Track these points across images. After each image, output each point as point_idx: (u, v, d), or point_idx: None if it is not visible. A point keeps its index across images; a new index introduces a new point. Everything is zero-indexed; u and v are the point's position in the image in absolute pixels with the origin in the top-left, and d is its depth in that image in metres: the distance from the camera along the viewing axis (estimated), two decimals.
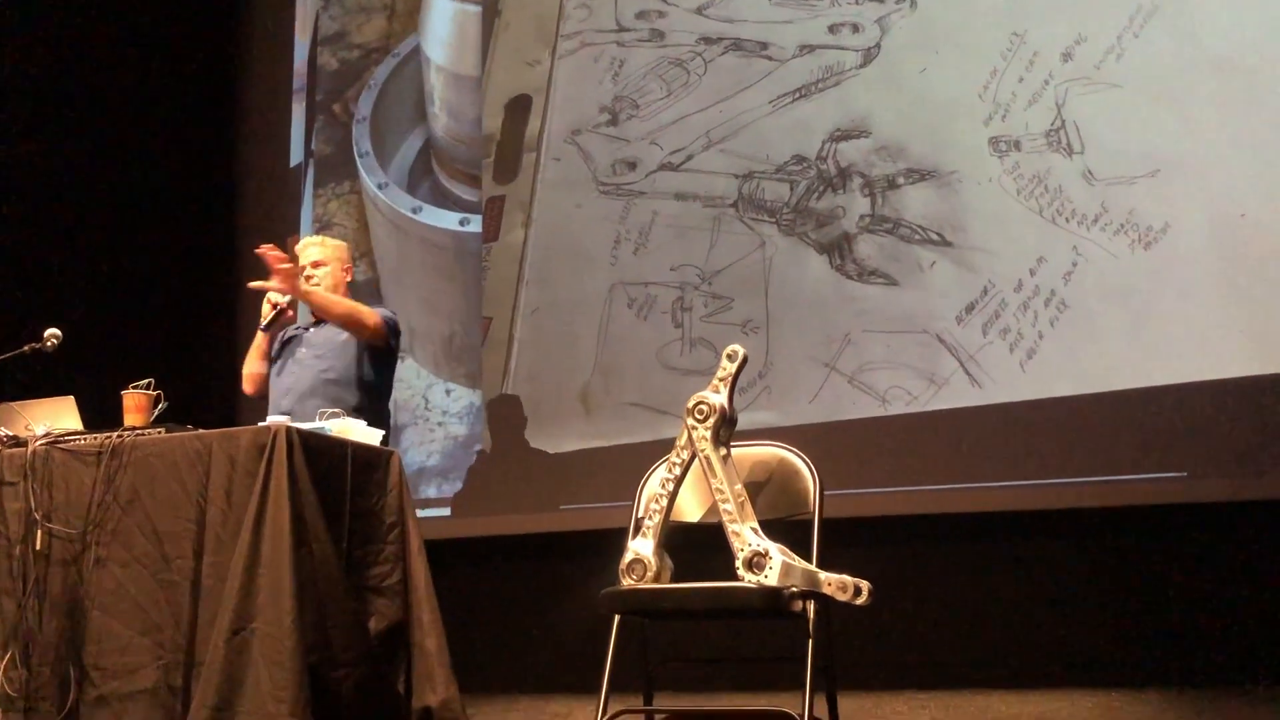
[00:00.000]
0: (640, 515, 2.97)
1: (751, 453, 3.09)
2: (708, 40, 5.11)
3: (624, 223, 5.17)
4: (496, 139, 5.61)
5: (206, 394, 5.30)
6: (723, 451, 2.81)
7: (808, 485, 2.99)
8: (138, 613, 3.11)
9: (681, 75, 5.14)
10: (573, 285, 5.27)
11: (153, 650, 3.07)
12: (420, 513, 3.77)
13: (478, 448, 5.45)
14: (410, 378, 5.67)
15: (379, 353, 4.00)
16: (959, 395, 4.42)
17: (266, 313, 4.00)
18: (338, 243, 4.26)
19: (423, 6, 6.01)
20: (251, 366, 4.15)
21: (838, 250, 4.71)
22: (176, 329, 5.92)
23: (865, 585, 2.64)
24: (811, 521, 2.92)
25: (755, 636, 3.28)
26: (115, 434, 3.28)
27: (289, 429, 3.08)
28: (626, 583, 2.82)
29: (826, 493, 2.96)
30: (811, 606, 2.71)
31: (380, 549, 3.31)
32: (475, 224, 5.64)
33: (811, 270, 4.74)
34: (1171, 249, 4.13)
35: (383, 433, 3.61)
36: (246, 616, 2.92)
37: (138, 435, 3.27)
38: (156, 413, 3.43)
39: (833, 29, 4.85)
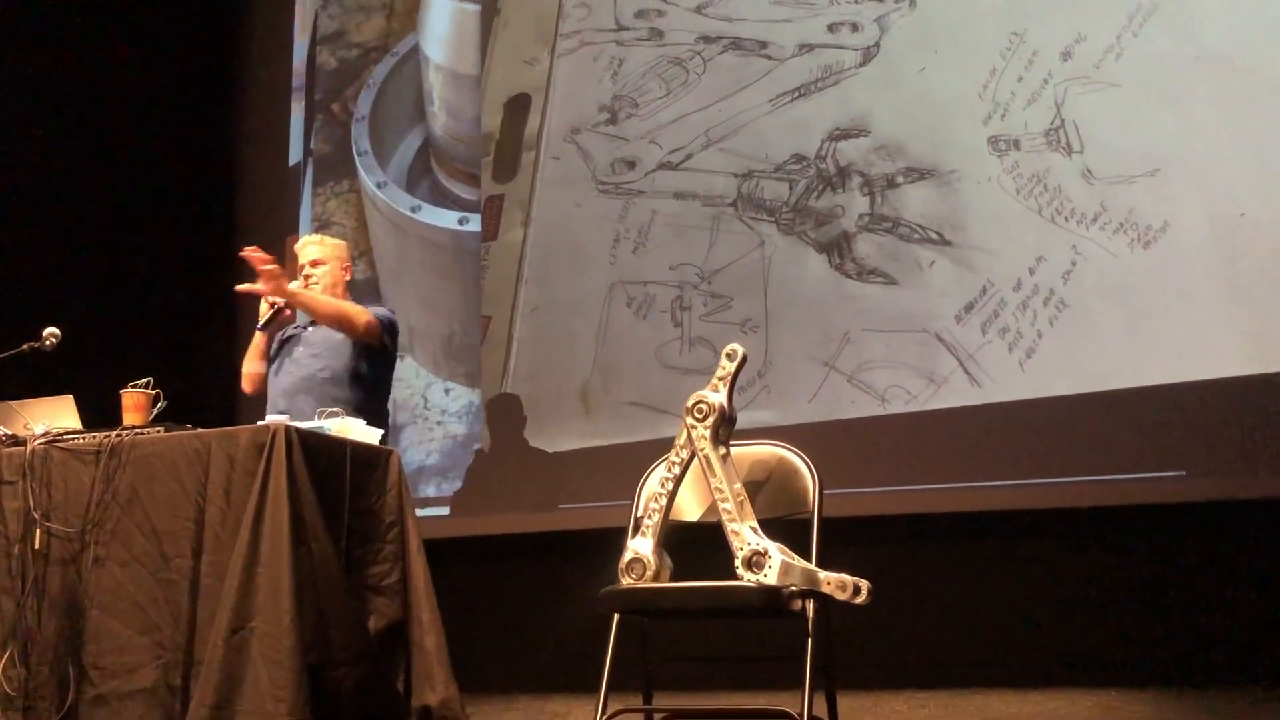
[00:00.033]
0: (639, 514, 2.97)
1: (751, 452, 3.09)
2: (707, 39, 5.11)
3: (623, 222, 5.17)
4: (495, 138, 5.61)
5: (205, 393, 5.30)
6: (722, 450, 2.81)
7: (807, 484, 2.99)
8: (137, 612, 3.10)
9: (681, 74, 5.14)
10: (572, 284, 5.27)
11: (152, 649, 3.07)
12: (419, 512, 3.76)
13: (476, 447, 5.45)
14: (409, 377, 5.67)
15: (376, 351, 3.99)
16: (958, 394, 4.42)
17: (264, 312, 4.00)
18: (337, 241, 4.26)
19: (421, 5, 6.01)
20: (250, 366, 4.15)
21: (837, 249, 4.71)
22: (175, 328, 5.91)
23: (864, 584, 2.64)
24: (811, 520, 2.92)
25: (755, 635, 3.27)
26: (114, 433, 3.28)
27: (288, 428, 3.07)
28: (626, 582, 2.81)
29: (826, 492, 2.96)
30: (811, 605, 2.71)
31: (379, 548, 3.30)
32: (474, 223, 5.63)
33: (811, 269, 4.74)
34: (1171, 248, 4.14)
35: (381, 432, 3.61)
36: (245, 615, 2.92)
37: (137, 434, 3.26)
38: (155, 412, 3.43)
39: (832, 28, 4.85)
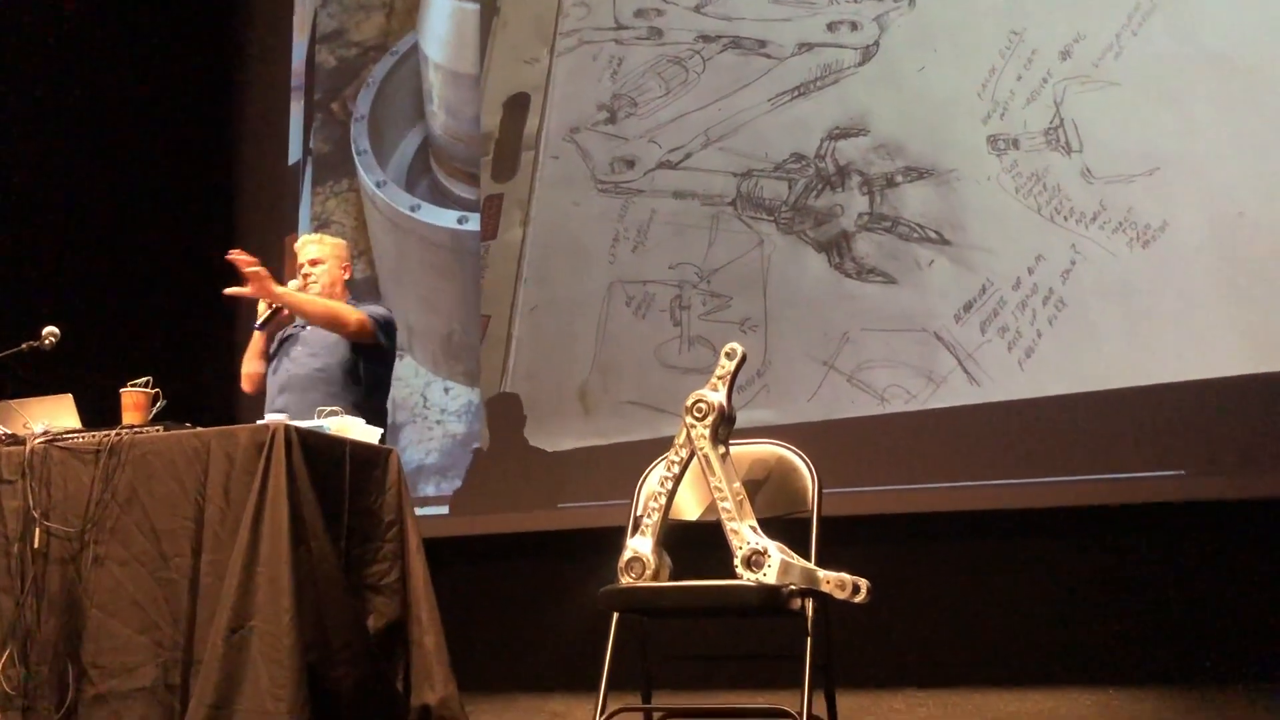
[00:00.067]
0: (639, 513, 2.97)
1: (750, 451, 3.09)
2: (706, 38, 5.11)
3: (622, 221, 5.17)
4: (495, 137, 5.61)
5: (205, 392, 5.30)
6: (721, 450, 2.81)
7: (806, 483, 2.99)
8: (136, 611, 3.10)
9: (680, 73, 5.14)
10: (571, 283, 5.27)
11: (151, 648, 3.06)
12: (419, 511, 3.76)
13: (475, 446, 5.45)
14: (409, 376, 5.67)
15: (373, 350, 3.98)
16: (957, 393, 4.42)
17: (262, 312, 4.00)
18: (336, 240, 4.25)
19: (421, 4, 6.01)
20: (249, 365, 4.15)
21: (836, 248, 4.71)
22: (175, 327, 5.91)
23: (864, 583, 2.64)
24: (810, 519, 2.92)
25: (754, 634, 3.27)
26: (113, 432, 3.27)
27: (287, 427, 3.07)
28: (625, 581, 2.81)
29: (825, 491, 2.96)
30: (810, 604, 2.71)
31: (379, 547, 3.30)
32: (473, 222, 5.63)
33: (810, 268, 4.74)
34: (1170, 247, 4.14)
35: (381, 431, 3.61)
36: (245, 614, 2.91)
37: (136, 433, 3.26)
38: (155, 411, 3.43)
39: (831, 27, 4.85)
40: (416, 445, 5.59)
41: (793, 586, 2.67)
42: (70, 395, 3.52)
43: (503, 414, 5.35)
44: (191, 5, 6.54)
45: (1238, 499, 3.98)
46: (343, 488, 3.22)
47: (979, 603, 4.37)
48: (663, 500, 2.86)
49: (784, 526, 2.89)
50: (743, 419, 3.00)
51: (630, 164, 5.19)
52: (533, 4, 5.60)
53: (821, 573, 2.69)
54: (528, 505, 5.23)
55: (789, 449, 3.07)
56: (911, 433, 4.48)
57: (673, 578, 2.85)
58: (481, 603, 5.17)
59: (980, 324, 4.41)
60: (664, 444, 2.92)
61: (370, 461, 3.34)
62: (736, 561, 2.70)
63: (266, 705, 2.84)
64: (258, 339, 4.12)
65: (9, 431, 3.45)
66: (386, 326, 4.01)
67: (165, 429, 3.27)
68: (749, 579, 2.68)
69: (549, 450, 5.21)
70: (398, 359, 4.34)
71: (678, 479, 2.87)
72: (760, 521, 2.77)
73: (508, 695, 4.76)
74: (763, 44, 4.97)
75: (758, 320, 4.81)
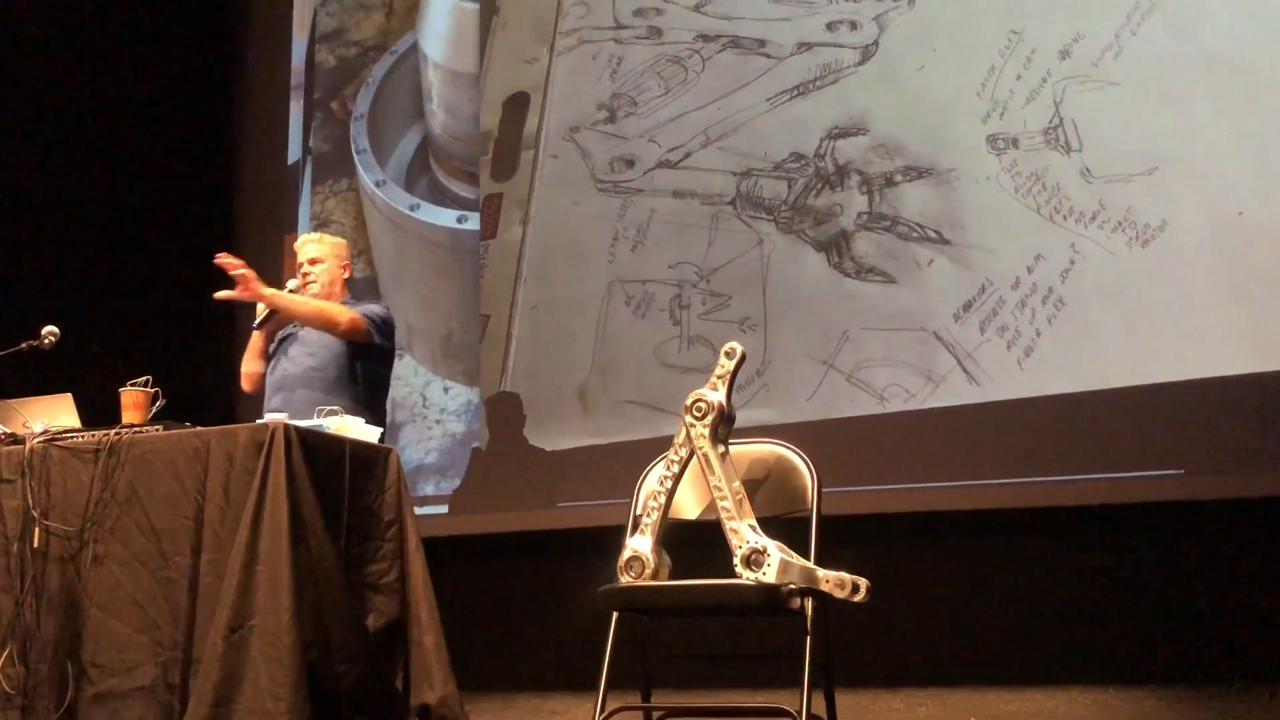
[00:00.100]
0: (638, 513, 2.97)
1: (749, 450, 3.09)
2: (705, 38, 5.11)
3: (622, 220, 5.17)
4: (494, 136, 5.61)
5: (204, 391, 5.30)
6: (721, 449, 2.81)
7: (805, 482, 2.99)
8: (136, 610, 3.10)
9: (679, 73, 5.14)
10: (570, 283, 5.27)
11: (151, 648, 3.07)
12: (418, 510, 3.77)
13: (474, 445, 5.45)
14: (408, 375, 5.67)
15: (370, 349, 3.97)
16: (957, 393, 4.42)
17: (260, 311, 3.99)
18: (336, 240, 4.25)
19: (421, 4, 6.01)
20: (249, 365, 4.15)
21: (835, 248, 4.71)
22: (174, 326, 5.91)
23: (863, 582, 2.64)
24: (809, 519, 2.92)
25: (753, 633, 3.28)
26: (113, 431, 3.27)
27: (287, 426, 3.07)
28: (625, 580, 2.82)
29: (824, 490, 2.96)
30: (809, 603, 2.71)
31: (378, 546, 3.30)
32: (473, 221, 5.63)
33: (809, 268, 4.74)
34: (1169, 247, 4.14)
35: (380, 430, 3.61)
36: (245, 614, 2.92)
37: (136, 433, 3.26)
38: (154, 410, 3.43)
39: (830, 26, 4.85)
40: (416, 444, 5.59)
41: (792, 585, 2.67)
42: (70, 395, 3.52)
43: (502, 413, 5.35)
44: (191, 5, 6.54)
45: (1237, 498, 3.98)
46: (342, 487, 3.22)
47: (978, 602, 4.38)
48: (662, 499, 2.86)
49: (783, 526, 2.90)
50: (742, 418, 3.01)
51: (630, 163, 5.19)
52: (532, 3, 5.60)
53: (821, 572, 2.69)
54: (527, 504, 5.23)
55: (788, 448, 3.07)
56: (911, 432, 4.48)
57: (672, 577, 2.85)
58: (481, 602, 5.17)
59: (979, 323, 4.41)
60: (663, 443, 2.92)
61: (370, 461, 3.35)
62: (736, 561, 2.70)
63: (266, 704, 2.84)
64: (256, 339, 4.12)
65: (9, 431, 3.45)
66: (383, 325, 3.99)
67: (165, 428, 3.27)
68: (748, 578, 2.68)
69: (548, 449, 5.22)
70: (397, 358, 4.33)
71: (677, 478, 2.87)
72: (760, 521, 2.78)
73: (507, 694, 4.76)
74: (762, 43, 4.97)
75: (757, 319, 4.81)
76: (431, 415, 5.63)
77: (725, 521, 2.75)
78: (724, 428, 2.84)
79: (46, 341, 3.73)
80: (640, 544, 2.83)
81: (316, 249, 4.12)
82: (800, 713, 2.63)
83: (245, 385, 4.16)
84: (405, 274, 5.85)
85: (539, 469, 5.21)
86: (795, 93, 4.87)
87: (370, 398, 3.96)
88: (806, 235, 4.77)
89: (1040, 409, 4.27)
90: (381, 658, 3.21)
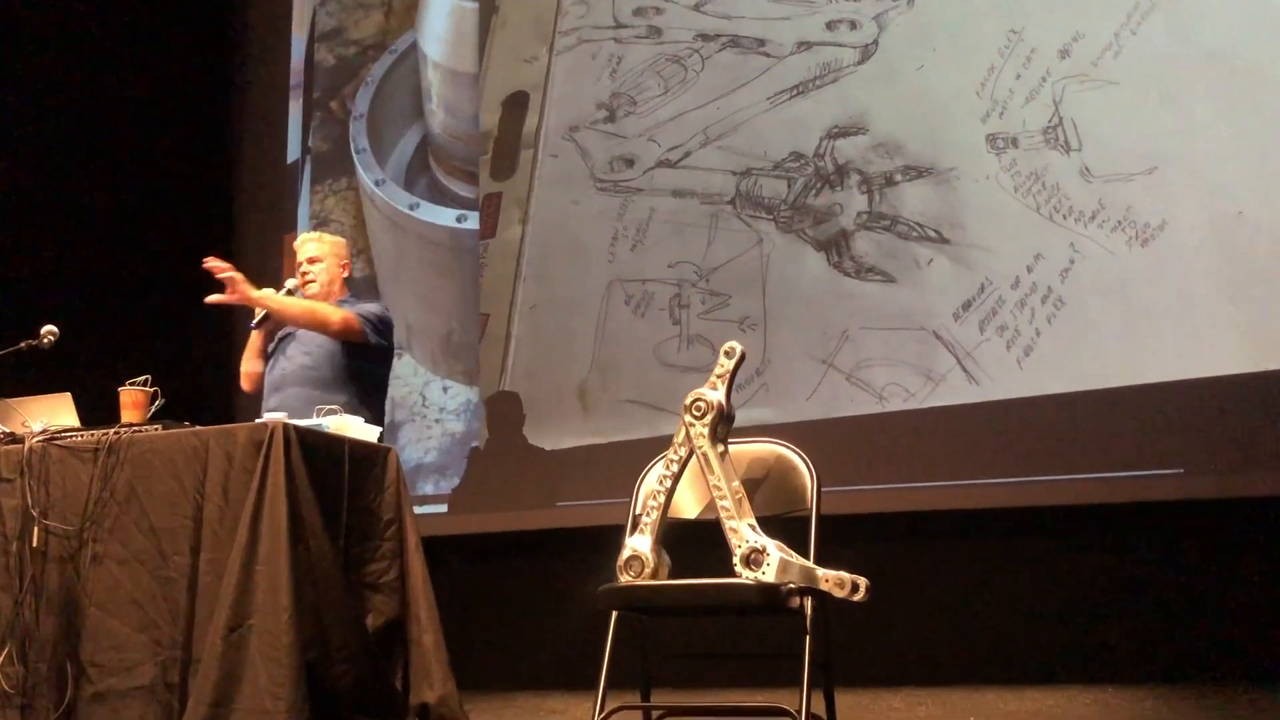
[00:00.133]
0: (638, 512, 2.97)
1: (749, 449, 3.09)
2: (705, 37, 5.11)
3: (621, 219, 5.17)
4: (494, 135, 5.61)
5: (203, 391, 5.30)
6: (720, 448, 2.81)
7: (805, 482, 2.99)
8: (135, 609, 3.10)
9: (679, 72, 5.14)
10: (570, 282, 5.27)
11: (150, 647, 3.06)
12: (417, 509, 3.76)
13: (474, 444, 5.45)
14: (408, 374, 5.67)
15: (367, 348, 3.96)
16: (956, 392, 4.42)
17: (259, 311, 3.99)
18: (335, 239, 4.25)
19: (420, 3, 6.01)
20: (248, 365, 4.15)
21: (835, 247, 4.71)
22: (173, 326, 5.91)
23: (863, 581, 2.64)
24: (809, 518, 2.92)
25: (753, 633, 3.28)
26: (112, 431, 3.27)
27: (286, 426, 3.07)
28: (624, 579, 2.81)
29: (824, 489, 2.96)
30: (809, 603, 2.71)
31: (377, 545, 3.30)
32: (472, 220, 5.63)
33: (809, 267, 4.74)
34: (1169, 246, 4.14)
35: (379, 429, 3.61)
36: (244, 613, 2.91)
37: (135, 432, 3.26)
38: (154, 409, 3.43)
39: (830, 26, 4.85)
40: (415, 444, 5.59)
41: (792, 585, 2.66)
42: (69, 394, 3.52)
43: (502, 412, 5.35)
44: (190, 4, 6.54)
45: (1236, 497, 3.98)
46: (341, 486, 3.22)
47: (978, 601, 4.38)
48: (661, 499, 2.86)
49: (783, 525, 2.89)
50: (742, 417, 3.00)
51: (629, 162, 5.19)
52: (532, 2, 5.60)
53: (820, 571, 2.68)
54: (526, 504, 5.23)
55: (788, 447, 3.07)
56: (910, 431, 4.48)
57: (672, 576, 2.85)
58: (480, 601, 5.17)
59: (979, 322, 4.41)
60: (663, 442, 2.92)
61: (369, 460, 3.34)
62: (735, 560, 2.70)
63: (265, 704, 2.84)
64: (255, 338, 4.11)
65: (8, 430, 3.45)
66: (379, 324, 3.96)
67: (164, 427, 3.27)
68: (748, 577, 2.68)
69: (548, 449, 5.22)
70: (396, 357, 4.33)
71: (677, 477, 2.87)
72: (759, 520, 2.77)
73: (506, 693, 4.76)
74: (762, 43, 4.97)
75: (757, 319, 4.81)
76: (431, 414, 5.63)
77: (725, 521, 2.75)
78: (723, 427, 2.83)
79: (46, 341, 3.72)
80: (639, 543, 2.83)
81: (316, 248, 4.12)
82: (800, 712, 2.63)
83: (244, 385, 4.16)
84: (405, 273, 5.85)
85: (538, 468, 5.21)
86: (795, 92, 4.87)
87: (368, 396, 3.95)
88: (806, 235, 4.77)
89: (1040, 408, 4.27)
90: (381, 657, 3.21)
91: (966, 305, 4.44)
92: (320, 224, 6.03)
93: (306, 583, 2.98)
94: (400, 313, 5.60)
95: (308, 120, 6.31)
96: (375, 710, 3.13)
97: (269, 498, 2.98)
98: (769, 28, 4.96)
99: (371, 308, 4.02)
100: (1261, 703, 3.69)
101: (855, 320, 4.62)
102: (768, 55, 4.95)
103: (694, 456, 2.83)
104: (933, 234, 4.54)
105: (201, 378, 5.54)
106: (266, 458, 3.02)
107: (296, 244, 4.21)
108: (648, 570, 2.80)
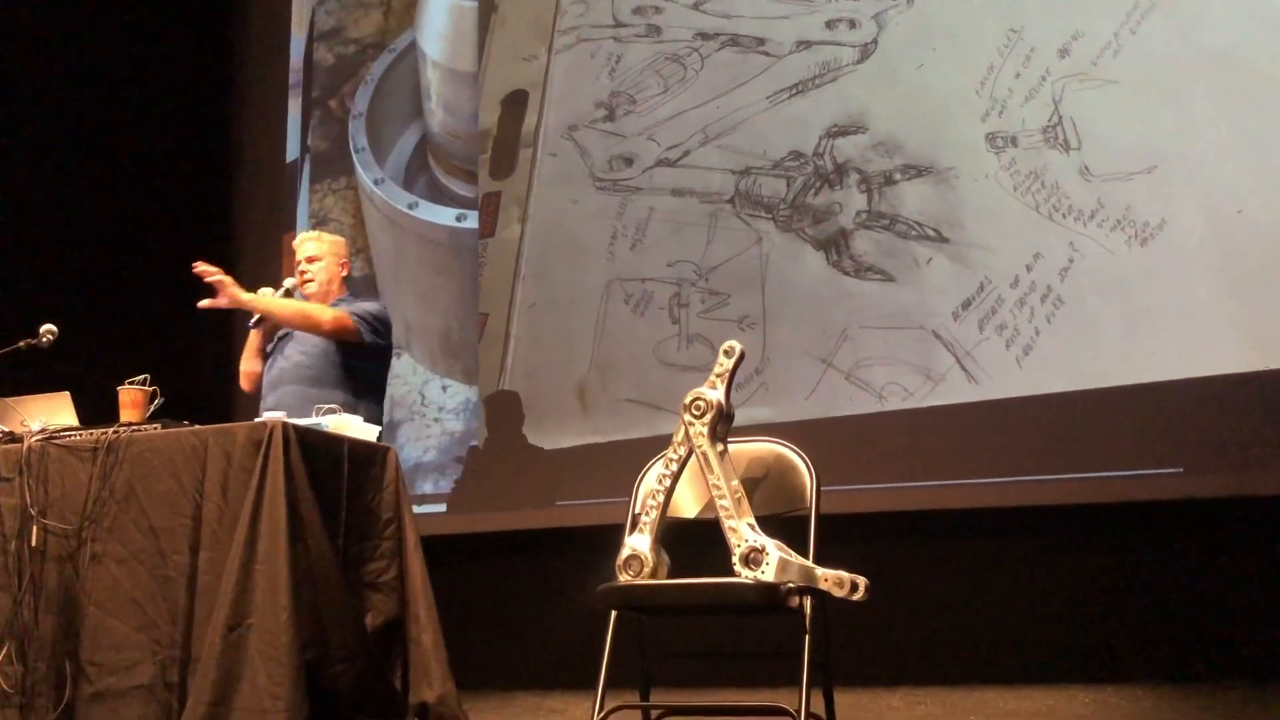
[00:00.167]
0: (637, 511, 2.97)
1: (748, 449, 3.09)
2: (704, 36, 5.10)
3: (621, 218, 5.16)
4: (493, 134, 5.60)
5: (203, 390, 5.30)
6: (719, 447, 2.81)
7: (804, 481, 2.99)
8: (134, 609, 3.10)
9: (678, 71, 5.14)
10: (569, 281, 5.26)
11: (149, 646, 3.06)
12: (416, 508, 3.76)
13: (473, 443, 5.45)
14: (407, 373, 5.67)
15: (364, 348, 3.95)
16: (955, 391, 4.42)
17: None
18: (334, 238, 4.25)
19: (419, 1, 6.01)
20: (247, 364, 4.15)
21: (834, 246, 4.71)
22: (172, 325, 5.90)
23: (862, 581, 2.64)
24: (808, 517, 2.92)
25: (752, 632, 3.27)
26: (111, 430, 3.27)
27: (285, 425, 3.07)
28: (623, 578, 2.81)
29: (823, 488, 2.96)
30: (808, 602, 2.71)
31: (377, 545, 3.30)
32: (471, 219, 5.63)
33: (808, 266, 4.74)
34: (1168, 245, 4.14)
35: (378, 429, 3.61)
36: (243, 612, 2.91)
37: (134, 431, 3.26)
38: (153, 408, 3.43)
39: (830, 25, 4.85)
40: (414, 443, 5.59)
41: (791, 584, 2.66)
42: (68, 393, 3.52)
43: (501, 412, 5.35)
44: (190, 4, 6.53)
45: (1236, 496, 3.98)
46: (340, 485, 3.21)
47: (977, 600, 4.37)
48: (661, 498, 2.85)
49: (782, 524, 2.89)
50: (741, 417, 3.00)
51: (629, 161, 5.19)
52: (531, 1, 5.59)
53: (820, 570, 2.68)
54: (526, 503, 5.23)
55: (787, 447, 3.07)
56: (909, 430, 4.48)
57: (671, 575, 2.85)
58: (479, 600, 5.17)
59: (978, 322, 4.41)
60: (662, 442, 2.92)
61: (368, 459, 3.34)
62: (735, 559, 2.70)
63: (264, 703, 2.84)
64: (254, 337, 4.11)
65: (6, 429, 3.45)
66: (375, 323, 3.95)
67: (163, 427, 3.27)
68: (747, 576, 2.68)
69: (547, 448, 5.21)
70: (395, 356, 4.32)
71: (676, 476, 2.87)
72: (758, 519, 2.77)
73: (506, 693, 4.76)
74: (761, 42, 4.97)
75: (756, 318, 4.81)
76: (430, 413, 5.62)
77: (724, 520, 2.75)
78: (723, 426, 2.83)
79: (45, 340, 3.72)
80: (639, 542, 2.83)
81: (315, 247, 4.12)
82: (799, 711, 2.63)
83: (244, 384, 4.16)
84: (404, 272, 5.85)
85: (538, 467, 5.21)
86: (794, 91, 4.87)
87: (366, 395, 3.95)
88: (805, 234, 4.77)
89: (1039, 407, 4.27)
90: (380, 656, 3.20)
91: (966, 304, 4.44)
92: (319, 223, 6.03)
93: (305, 582, 2.97)
94: (399, 312, 5.60)
95: (307, 119, 6.30)
96: (374, 709, 3.12)
97: (268, 497, 2.98)
98: (768, 27, 4.96)
99: (368, 306, 4.01)
100: (1261, 702, 3.69)
101: (854, 319, 4.62)
102: (767, 54, 4.95)
103: (693, 456, 2.83)
104: (932, 233, 4.54)
105: (201, 377, 5.54)
106: (265, 457, 3.01)
107: (295, 243, 4.21)
108: (647, 569, 2.80)
